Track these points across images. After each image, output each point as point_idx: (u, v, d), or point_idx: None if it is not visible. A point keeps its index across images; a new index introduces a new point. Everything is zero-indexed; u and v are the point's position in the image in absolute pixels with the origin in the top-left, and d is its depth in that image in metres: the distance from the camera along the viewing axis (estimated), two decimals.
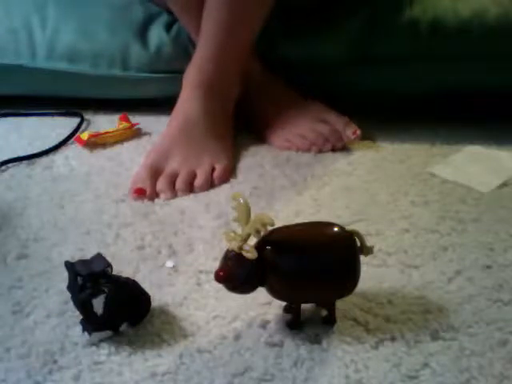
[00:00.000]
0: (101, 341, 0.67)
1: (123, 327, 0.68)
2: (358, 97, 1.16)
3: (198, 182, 0.96)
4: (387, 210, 0.90)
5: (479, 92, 1.11)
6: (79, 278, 0.66)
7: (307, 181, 0.98)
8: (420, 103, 1.15)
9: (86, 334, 0.67)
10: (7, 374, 0.63)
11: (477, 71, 1.10)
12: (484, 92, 1.11)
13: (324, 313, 0.69)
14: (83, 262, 0.68)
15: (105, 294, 0.65)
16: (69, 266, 0.69)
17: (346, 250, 0.66)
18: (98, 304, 0.65)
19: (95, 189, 0.96)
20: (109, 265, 0.68)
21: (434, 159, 1.03)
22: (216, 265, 0.65)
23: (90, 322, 0.66)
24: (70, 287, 0.69)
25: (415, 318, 0.70)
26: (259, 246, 0.63)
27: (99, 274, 0.67)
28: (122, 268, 0.75)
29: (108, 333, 0.67)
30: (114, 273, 0.68)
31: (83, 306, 0.66)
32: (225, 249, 0.64)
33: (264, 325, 0.69)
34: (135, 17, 1.18)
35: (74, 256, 0.78)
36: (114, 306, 0.66)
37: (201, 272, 0.77)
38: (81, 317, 0.67)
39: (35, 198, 0.93)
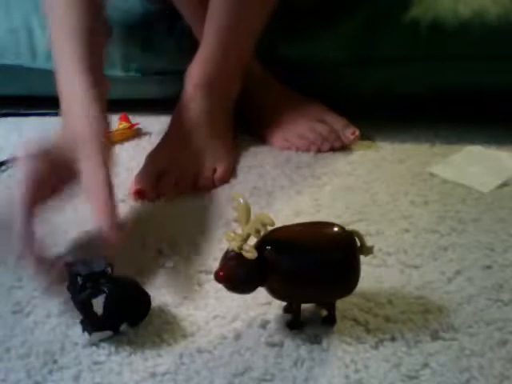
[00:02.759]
0: (101, 341, 0.67)
1: (123, 327, 0.68)
2: (358, 97, 1.16)
3: (199, 183, 0.96)
4: (387, 210, 0.90)
5: (479, 92, 1.11)
6: (79, 278, 0.66)
7: (307, 181, 0.98)
8: (420, 103, 1.15)
9: (85, 333, 0.67)
10: (7, 374, 0.63)
11: (477, 71, 1.10)
12: (484, 92, 1.12)
13: (324, 313, 0.69)
14: (83, 261, 0.68)
15: (105, 294, 0.65)
16: (69, 266, 0.69)
17: (345, 250, 0.66)
18: (98, 304, 0.65)
19: None
20: (109, 265, 0.68)
21: (434, 159, 1.03)
22: (216, 265, 0.65)
23: (90, 322, 0.66)
24: (69, 287, 0.69)
25: (415, 318, 0.70)
26: (259, 246, 0.63)
27: (99, 273, 0.67)
28: (122, 268, 0.75)
29: (108, 333, 0.67)
30: (115, 273, 0.68)
31: (83, 305, 0.66)
32: (225, 249, 0.64)
33: (264, 325, 0.69)
34: (135, 17, 1.19)
35: (74, 256, 0.78)
36: (113, 305, 0.66)
37: (201, 272, 0.77)
38: (81, 317, 0.67)
39: None
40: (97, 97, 0.82)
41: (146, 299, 0.69)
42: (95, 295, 0.65)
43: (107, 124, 0.81)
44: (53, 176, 0.74)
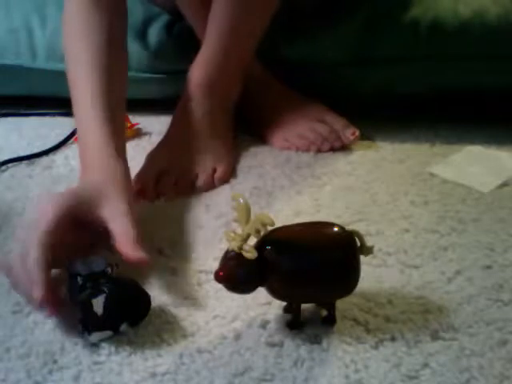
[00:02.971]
0: (101, 341, 0.67)
1: (123, 327, 0.67)
2: (358, 97, 1.16)
3: (199, 183, 0.96)
4: (387, 210, 0.90)
5: (479, 92, 1.11)
6: (79, 278, 0.66)
7: (307, 181, 0.98)
8: (420, 103, 1.15)
9: (85, 333, 0.67)
10: (7, 374, 0.63)
11: (477, 71, 1.10)
12: (484, 92, 1.12)
13: (324, 313, 0.69)
14: (83, 261, 0.68)
15: (105, 294, 0.65)
16: (69, 265, 0.69)
17: (345, 250, 0.66)
18: (98, 304, 0.65)
19: None
20: (109, 265, 0.68)
21: (434, 159, 1.03)
22: (216, 265, 0.65)
23: (90, 322, 0.66)
24: (69, 287, 0.69)
25: (415, 318, 0.70)
26: (259, 246, 0.63)
27: (99, 273, 0.67)
28: (122, 268, 0.75)
29: (108, 333, 0.67)
30: (115, 273, 0.68)
31: (83, 305, 0.66)
32: (225, 249, 0.64)
33: (264, 325, 0.69)
34: (135, 17, 1.18)
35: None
36: (113, 305, 0.66)
37: (201, 272, 0.77)
38: (81, 317, 0.67)
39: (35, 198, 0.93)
40: (116, 145, 0.81)
41: (146, 299, 0.69)
42: (95, 295, 0.65)
43: (127, 170, 0.81)
44: (73, 225, 0.73)
